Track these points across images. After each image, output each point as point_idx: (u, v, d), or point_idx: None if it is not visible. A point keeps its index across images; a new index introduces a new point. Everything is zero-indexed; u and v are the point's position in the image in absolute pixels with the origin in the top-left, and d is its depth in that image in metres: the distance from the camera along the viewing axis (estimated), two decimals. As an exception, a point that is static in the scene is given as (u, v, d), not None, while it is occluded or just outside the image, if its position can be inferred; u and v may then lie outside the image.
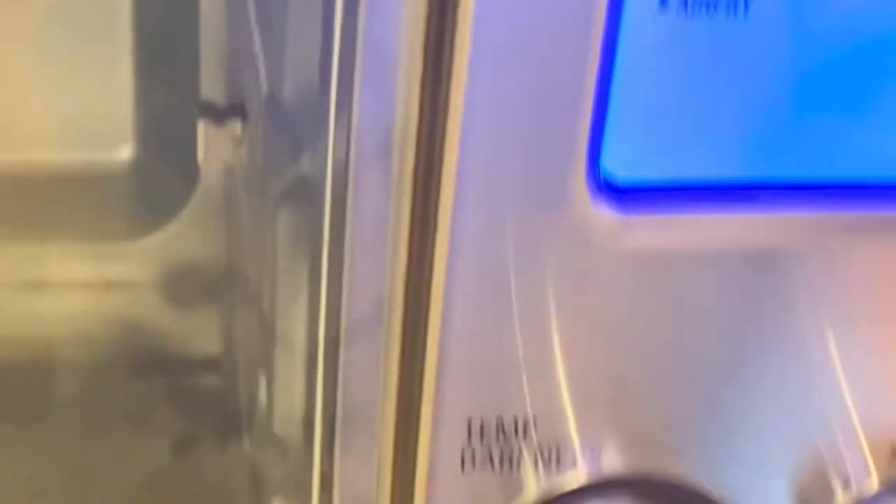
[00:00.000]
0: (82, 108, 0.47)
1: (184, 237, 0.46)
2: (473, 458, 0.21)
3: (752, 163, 0.20)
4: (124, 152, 0.45)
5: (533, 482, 0.21)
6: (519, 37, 0.18)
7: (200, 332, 0.48)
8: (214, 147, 0.37)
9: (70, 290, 0.47)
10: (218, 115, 0.37)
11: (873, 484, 0.22)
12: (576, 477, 0.21)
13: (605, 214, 0.19)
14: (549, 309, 0.20)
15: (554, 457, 0.21)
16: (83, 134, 0.46)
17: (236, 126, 0.36)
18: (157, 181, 0.47)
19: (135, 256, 0.46)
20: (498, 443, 0.21)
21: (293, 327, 0.26)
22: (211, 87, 0.43)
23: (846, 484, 0.22)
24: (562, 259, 0.20)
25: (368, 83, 0.19)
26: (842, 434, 0.22)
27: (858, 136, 0.20)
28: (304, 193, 0.24)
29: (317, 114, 0.22)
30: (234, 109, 0.37)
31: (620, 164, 0.20)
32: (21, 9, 0.44)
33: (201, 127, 0.37)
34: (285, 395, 0.30)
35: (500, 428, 0.21)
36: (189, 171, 0.46)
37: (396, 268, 0.20)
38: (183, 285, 0.48)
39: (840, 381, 0.22)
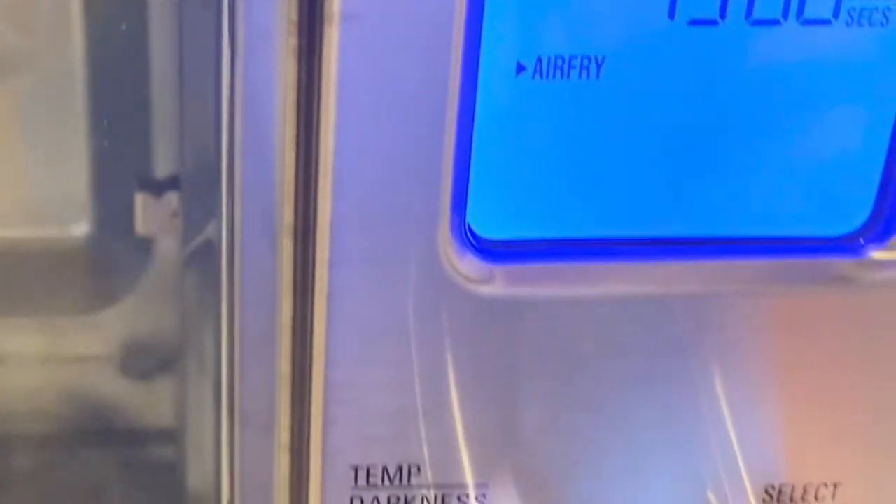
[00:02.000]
0: (38, 187, 0.49)
1: (138, 311, 0.47)
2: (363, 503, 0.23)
3: (619, 221, 0.22)
4: (79, 229, 0.45)
5: (424, 527, 0.23)
6: (382, 102, 0.20)
7: (155, 406, 0.49)
8: (152, 218, 0.39)
9: (25, 364, 0.49)
10: (156, 187, 0.39)
11: (756, 522, 0.24)
12: (466, 520, 0.23)
13: (471, 266, 0.21)
14: (431, 358, 0.22)
15: (447, 501, 0.23)
16: (39, 211, 0.49)
17: (173, 198, 0.38)
18: (111, 257, 0.49)
19: (90, 331, 0.48)
20: (386, 489, 0.23)
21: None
22: (162, 165, 0.45)
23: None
24: (435, 309, 0.21)
25: (249, 151, 0.21)
26: (728, 479, 0.24)
27: (709, 193, 0.22)
28: (208, 256, 0.26)
29: (214, 180, 0.24)
30: (171, 182, 0.39)
31: (489, 221, 0.21)
32: None
33: (139, 199, 0.39)
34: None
35: (387, 475, 0.23)
36: (143, 247, 0.48)
37: (283, 326, 0.22)
38: (138, 359, 0.49)
39: (728, 428, 0.24)
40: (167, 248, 0.47)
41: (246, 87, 0.20)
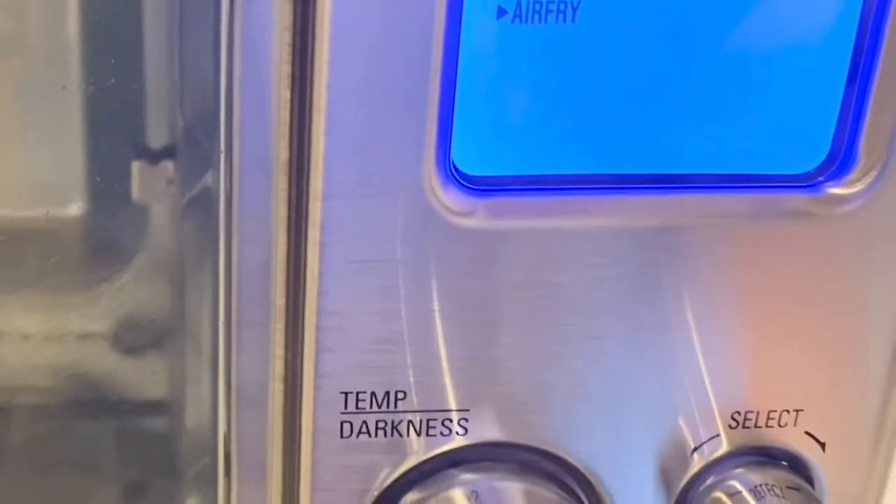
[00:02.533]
0: (35, 167, 0.50)
1: (133, 288, 0.49)
2: (352, 427, 0.25)
3: (593, 159, 0.24)
4: (75, 208, 0.46)
5: (412, 448, 0.25)
6: (371, 44, 0.22)
7: (149, 379, 0.51)
8: (148, 186, 0.40)
9: (23, 339, 0.51)
10: (152, 156, 0.40)
11: (723, 448, 0.26)
12: (451, 443, 0.25)
13: (454, 199, 0.23)
14: (417, 288, 0.24)
15: (436, 427, 0.25)
16: (36, 191, 0.50)
17: (169, 166, 0.40)
18: (106, 235, 0.51)
19: (85, 308, 0.49)
20: (373, 414, 0.24)
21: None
22: (156, 138, 0.46)
23: (700, 450, 0.26)
24: (420, 240, 0.23)
25: (247, 91, 0.23)
26: (697, 406, 0.26)
27: (679, 133, 0.23)
28: (206, 201, 0.28)
29: (213, 126, 0.25)
30: (166, 151, 0.40)
31: (472, 158, 0.23)
32: None
33: (136, 167, 0.40)
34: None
35: (375, 400, 0.24)
36: (137, 226, 0.50)
37: (278, 260, 0.24)
38: (132, 334, 0.51)
39: (698, 357, 0.25)
40: (161, 227, 0.48)
41: (244, 30, 0.22)
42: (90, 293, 0.48)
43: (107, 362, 0.49)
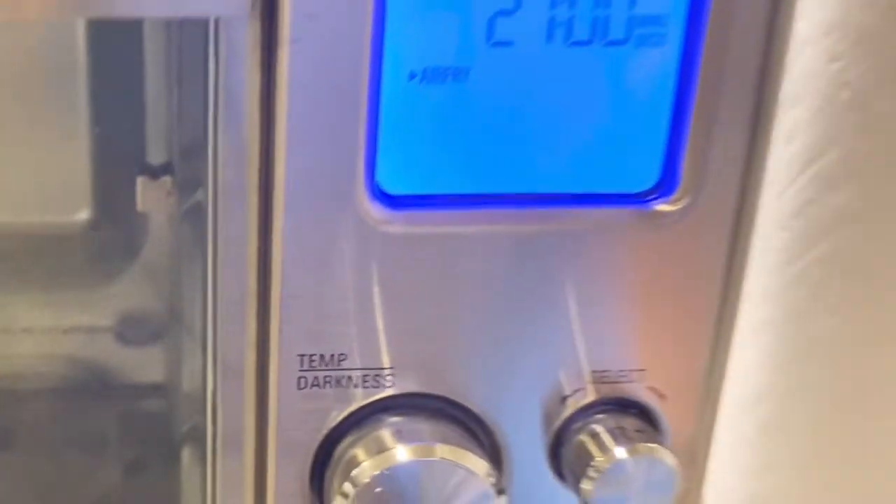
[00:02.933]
0: (47, 178, 0.52)
1: (133, 287, 0.53)
2: (307, 381, 0.33)
3: (483, 180, 0.32)
4: (82, 214, 0.53)
5: (353, 397, 0.33)
6: (318, 98, 0.31)
7: (147, 368, 0.58)
8: (151, 198, 0.48)
9: (35, 333, 0.54)
10: (154, 171, 0.48)
11: (588, 398, 0.35)
12: (382, 393, 0.33)
13: (378, 212, 0.32)
14: (354, 276, 0.32)
15: (370, 381, 0.33)
16: (47, 199, 0.53)
17: (168, 181, 0.48)
18: (110, 239, 0.54)
19: (91, 304, 0.53)
20: (322, 371, 0.33)
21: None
22: (156, 155, 0.53)
23: (571, 398, 0.34)
24: (355, 242, 0.32)
25: (229, 135, 0.31)
26: (570, 364, 0.34)
27: (547, 161, 0.32)
28: (199, 211, 0.36)
29: (202, 158, 0.34)
30: (166, 167, 0.48)
31: (391, 180, 0.32)
32: None
33: (140, 181, 0.48)
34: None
35: (323, 360, 0.33)
36: (137, 232, 0.53)
37: (251, 255, 0.32)
38: (133, 329, 0.56)
39: (571, 328, 0.34)
40: (159, 233, 0.55)
41: (226, 88, 0.31)
42: (95, 291, 0.54)
43: (109, 352, 0.54)
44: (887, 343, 0.49)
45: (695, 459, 0.35)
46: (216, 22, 0.30)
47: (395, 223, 0.32)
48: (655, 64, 0.32)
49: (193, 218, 0.39)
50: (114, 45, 0.50)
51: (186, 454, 0.44)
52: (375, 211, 0.32)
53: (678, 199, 0.33)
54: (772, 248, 0.51)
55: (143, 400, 0.55)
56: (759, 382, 0.52)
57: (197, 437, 0.41)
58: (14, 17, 0.29)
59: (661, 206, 0.33)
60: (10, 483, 0.51)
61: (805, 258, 0.49)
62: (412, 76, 0.31)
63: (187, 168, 0.42)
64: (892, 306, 0.48)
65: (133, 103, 0.51)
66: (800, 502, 0.52)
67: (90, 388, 0.55)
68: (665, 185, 0.33)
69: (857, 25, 0.45)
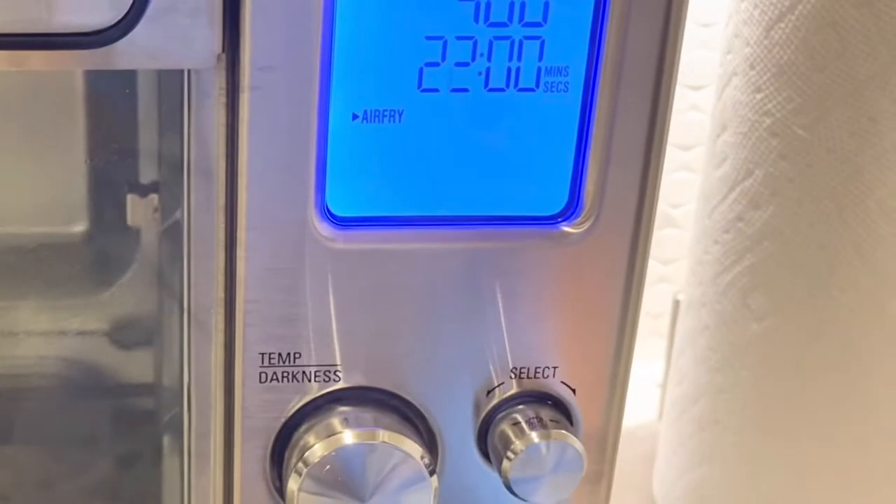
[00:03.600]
0: (47, 192, 0.56)
1: (126, 294, 0.56)
2: (267, 376, 0.40)
3: (416, 205, 0.39)
4: (79, 226, 0.56)
5: (307, 389, 0.40)
6: (274, 134, 0.37)
7: (140, 369, 0.63)
8: (139, 214, 0.54)
9: (34, 336, 0.58)
10: (142, 190, 0.54)
11: (511, 391, 0.41)
12: (333, 386, 0.40)
13: (327, 231, 0.38)
14: (308, 286, 0.39)
15: (322, 375, 0.40)
16: (47, 211, 0.56)
17: (154, 198, 0.53)
18: (105, 249, 0.57)
19: (89, 309, 0.57)
20: (280, 367, 0.40)
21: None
22: (145, 174, 0.58)
23: (496, 390, 0.41)
24: (308, 256, 0.38)
25: (199, 163, 0.38)
26: (500, 362, 0.40)
27: (471, 188, 0.39)
28: (177, 228, 0.42)
29: (180, 183, 0.40)
30: (153, 186, 0.54)
31: (338, 203, 0.38)
32: (0, 116, 0.53)
33: (130, 199, 0.53)
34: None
35: (281, 358, 0.40)
36: (131, 242, 0.60)
37: (218, 268, 0.39)
38: (126, 332, 0.60)
39: (504, 333, 0.40)
40: (148, 245, 0.60)
41: (197, 125, 0.38)
42: (90, 298, 0.60)
43: (103, 354, 0.58)
44: (808, 345, 0.55)
45: (604, 445, 0.41)
46: (188, 72, 0.37)
47: (342, 240, 0.38)
48: (560, 107, 0.38)
49: (173, 233, 0.45)
50: (109, 75, 0.55)
51: (167, 442, 0.50)
52: (325, 230, 0.38)
53: (582, 222, 0.39)
54: (706, 260, 0.58)
55: (132, 398, 0.58)
56: (695, 384, 0.59)
57: (175, 427, 0.47)
58: (21, 67, 0.36)
59: (568, 228, 0.39)
60: (10, 474, 0.55)
61: (734, 269, 0.56)
62: (355, 117, 0.37)
63: (169, 189, 0.48)
64: (810, 312, 0.55)
65: (125, 127, 0.55)
66: (734, 489, 0.58)
67: (85, 387, 0.58)
68: (571, 210, 0.39)
69: (777, 61, 0.52)
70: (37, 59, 0.34)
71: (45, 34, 0.34)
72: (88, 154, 0.55)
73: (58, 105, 0.56)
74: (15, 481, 0.54)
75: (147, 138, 0.54)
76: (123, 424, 0.57)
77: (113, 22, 0.33)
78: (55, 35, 0.34)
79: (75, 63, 0.34)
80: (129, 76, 0.53)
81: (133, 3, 0.32)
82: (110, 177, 0.55)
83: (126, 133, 0.54)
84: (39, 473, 0.55)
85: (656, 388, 0.71)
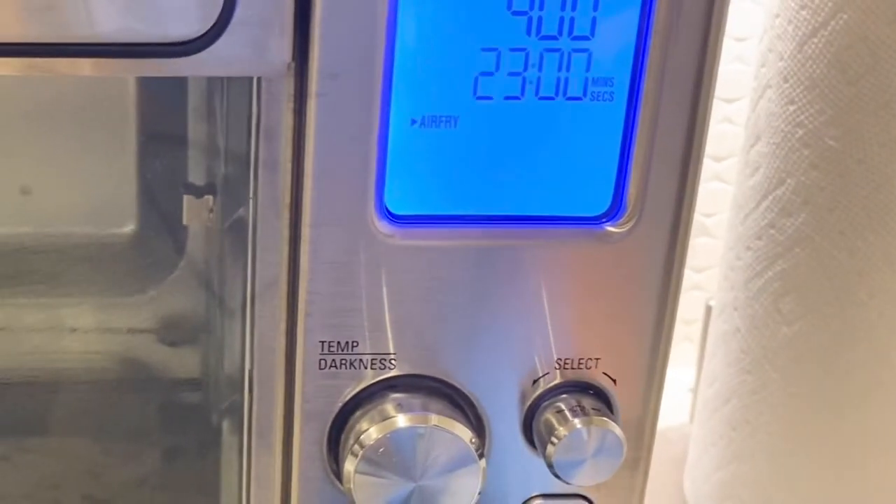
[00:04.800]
0: (98, 194, 0.60)
1: (173, 294, 0.60)
2: (326, 363, 0.44)
3: (470, 204, 0.43)
4: (129, 227, 0.60)
5: (365, 377, 0.44)
6: (337, 140, 0.41)
7: (185, 366, 0.61)
8: (194, 213, 0.57)
9: (86, 333, 0.61)
10: (197, 191, 0.57)
11: (555, 381, 0.45)
12: (387, 374, 0.43)
13: (385, 227, 0.42)
14: (365, 279, 0.43)
15: (377, 364, 0.43)
16: (98, 213, 0.60)
17: (209, 199, 0.57)
18: (153, 250, 0.60)
19: (136, 308, 0.60)
20: (339, 354, 0.43)
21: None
22: (195, 174, 0.61)
23: (545, 379, 0.44)
24: (365, 251, 0.42)
25: (267, 164, 0.42)
26: (545, 354, 0.44)
27: (520, 189, 0.42)
28: (241, 225, 0.46)
29: (244, 181, 0.44)
30: (208, 187, 0.57)
31: (396, 202, 0.42)
32: (54, 117, 0.57)
33: (185, 199, 0.57)
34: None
35: (340, 346, 0.43)
36: (178, 243, 0.60)
37: (282, 262, 0.43)
38: (173, 330, 0.61)
39: (548, 326, 0.44)
40: (194, 245, 0.63)
41: (266, 129, 0.41)
42: (138, 297, 0.61)
43: (150, 351, 0.61)
44: (837, 348, 0.58)
45: (642, 433, 0.45)
46: (258, 79, 0.41)
47: (399, 237, 0.42)
48: (605, 115, 0.42)
49: (234, 231, 0.49)
50: (161, 81, 0.58)
51: (225, 428, 0.54)
52: (383, 227, 0.42)
53: (625, 222, 0.43)
54: (738, 265, 0.61)
55: (178, 393, 0.62)
56: (727, 385, 0.62)
57: (233, 413, 0.50)
58: (107, 73, 0.39)
59: (611, 227, 0.43)
60: (60, 463, 0.58)
61: (765, 275, 0.59)
62: (413, 122, 0.41)
63: (229, 189, 0.51)
64: (840, 316, 0.58)
65: (176, 132, 0.58)
66: (764, 488, 0.62)
67: (133, 382, 0.62)
68: (614, 211, 0.43)
69: (810, 74, 0.56)
70: (122, 67, 0.38)
71: (132, 44, 0.38)
72: (139, 158, 0.59)
73: (111, 110, 0.59)
74: (64, 469, 0.57)
75: (201, 142, 0.58)
76: (169, 419, 0.61)
77: (200, 33, 0.37)
78: (141, 45, 0.38)
79: (158, 71, 0.38)
80: (181, 79, 0.57)
81: (219, 16, 0.36)
82: (160, 179, 0.59)
83: (178, 137, 0.58)
84: (89, 464, 0.58)
85: (687, 393, 0.74)
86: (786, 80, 0.56)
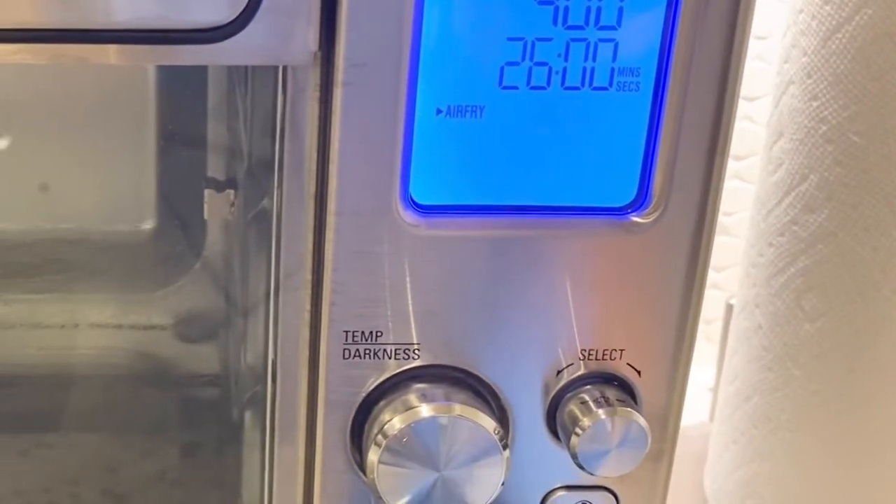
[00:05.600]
0: (118, 191, 0.61)
1: (191, 290, 0.61)
2: (350, 352, 0.44)
3: (496, 194, 0.43)
4: (148, 224, 0.61)
5: (387, 367, 0.44)
6: (363, 130, 0.41)
7: (203, 361, 0.63)
8: (216, 208, 0.58)
9: (104, 329, 0.62)
10: (219, 185, 0.58)
11: (579, 371, 0.45)
12: (411, 364, 0.44)
13: (410, 217, 0.42)
14: (390, 269, 0.43)
15: (401, 354, 0.44)
16: (118, 210, 0.61)
17: (230, 193, 0.57)
18: (172, 247, 0.62)
19: (154, 304, 0.61)
20: (363, 344, 0.44)
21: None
22: (215, 169, 0.62)
23: (569, 370, 0.44)
24: (390, 240, 0.42)
25: (293, 154, 0.42)
26: (568, 344, 0.44)
27: (546, 180, 0.43)
28: (264, 216, 0.47)
29: (269, 171, 0.44)
30: (229, 182, 0.58)
31: (421, 192, 0.43)
32: (74, 114, 0.59)
33: (207, 194, 0.57)
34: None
35: (364, 336, 0.44)
36: (196, 241, 0.61)
37: (306, 250, 0.43)
38: (191, 326, 0.63)
39: (573, 317, 0.44)
40: (213, 243, 0.64)
41: (291, 119, 0.42)
42: (157, 293, 0.62)
43: (167, 347, 0.62)
44: (859, 345, 0.59)
45: (666, 425, 0.45)
46: (284, 68, 0.41)
47: (424, 227, 0.42)
48: (631, 106, 0.42)
49: (257, 223, 0.49)
50: (181, 75, 0.59)
51: (247, 421, 0.54)
52: (408, 217, 0.42)
53: (650, 213, 0.43)
54: (760, 262, 0.61)
55: (196, 388, 0.63)
56: (748, 382, 0.63)
57: (255, 406, 0.51)
58: (132, 62, 0.40)
59: (636, 218, 0.43)
60: (79, 458, 0.58)
61: (788, 271, 0.60)
62: (439, 112, 0.41)
63: (254, 183, 0.52)
64: (863, 313, 0.58)
65: (196, 128, 0.59)
66: (785, 485, 0.62)
67: (151, 378, 0.63)
68: (640, 201, 0.43)
69: (833, 70, 0.56)
70: (148, 54, 0.39)
71: (160, 30, 0.38)
72: (158, 154, 0.60)
73: (130, 107, 0.60)
74: (84, 464, 0.58)
75: (221, 136, 0.58)
76: (188, 414, 0.61)
77: (228, 20, 0.37)
78: (169, 31, 0.38)
79: (185, 59, 0.39)
80: (200, 74, 0.57)
81: (247, 3, 0.37)
82: (178, 175, 0.60)
83: (197, 132, 0.58)
84: (108, 459, 0.58)
85: (707, 392, 0.74)
86: (809, 76, 0.57)
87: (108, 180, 0.60)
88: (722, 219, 0.76)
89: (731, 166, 0.75)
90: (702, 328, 0.76)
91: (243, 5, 0.36)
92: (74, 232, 0.60)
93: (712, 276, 0.76)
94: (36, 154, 0.59)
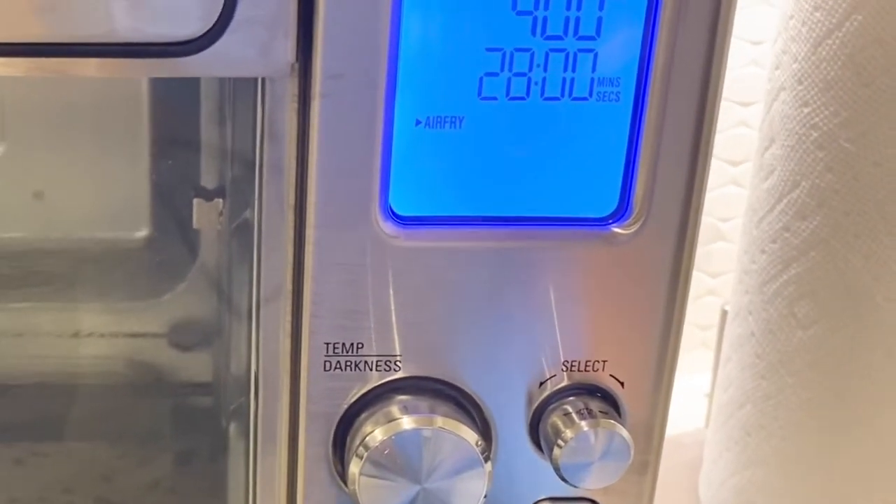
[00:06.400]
0: (113, 199, 0.60)
1: (186, 298, 0.60)
2: (331, 364, 0.44)
3: (475, 205, 0.43)
4: (142, 232, 0.61)
5: (368, 378, 0.44)
6: (340, 142, 0.41)
7: (197, 370, 0.62)
8: (204, 217, 0.58)
9: (98, 338, 0.61)
10: (207, 195, 0.58)
11: (562, 383, 0.44)
12: (392, 376, 0.44)
13: (389, 229, 0.42)
14: (370, 280, 0.43)
15: (383, 365, 0.44)
16: (112, 218, 0.61)
17: (219, 202, 0.57)
18: (166, 255, 0.61)
19: (149, 312, 0.61)
20: (343, 356, 0.44)
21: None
22: (207, 180, 0.61)
23: (548, 382, 0.44)
24: (370, 252, 0.42)
25: (272, 164, 0.42)
26: (551, 356, 0.44)
27: (525, 190, 0.42)
28: (247, 227, 0.47)
29: (250, 183, 0.44)
30: (218, 191, 0.58)
31: (401, 204, 0.42)
32: (68, 122, 0.58)
33: (196, 203, 0.57)
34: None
35: (345, 348, 0.43)
36: (190, 247, 0.61)
37: (287, 263, 0.43)
38: (185, 334, 0.62)
39: (556, 328, 0.44)
40: (207, 251, 0.64)
41: (270, 130, 0.42)
42: (151, 301, 0.62)
43: (162, 355, 0.61)
44: (852, 352, 0.58)
45: (651, 437, 0.45)
46: (262, 80, 0.41)
47: (404, 238, 0.42)
48: (612, 116, 0.42)
49: (241, 233, 0.49)
50: (175, 84, 0.59)
51: (233, 430, 0.54)
52: (387, 228, 0.42)
53: (632, 224, 0.43)
54: (753, 269, 0.61)
55: (189, 397, 0.62)
56: (742, 389, 0.62)
57: (241, 415, 0.51)
58: (110, 74, 0.40)
59: (618, 229, 0.43)
60: (74, 466, 0.58)
61: (780, 278, 0.59)
62: (418, 122, 0.41)
63: (237, 191, 0.52)
64: (855, 320, 0.58)
65: (189, 137, 0.58)
66: (779, 493, 0.61)
67: (146, 386, 0.63)
68: (621, 212, 0.43)
69: (824, 76, 0.56)
70: (126, 67, 0.39)
71: (136, 44, 0.38)
72: (152, 162, 0.60)
73: (124, 115, 0.59)
74: (79, 472, 0.58)
75: (212, 145, 0.58)
76: (181, 422, 0.61)
77: (200, 33, 0.37)
78: (144, 45, 0.38)
79: (162, 71, 0.38)
80: (193, 83, 0.57)
81: (220, 15, 0.36)
82: (172, 184, 0.60)
83: (190, 141, 0.58)
84: (102, 467, 0.58)
85: (703, 398, 0.74)
86: (800, 83, 0.56)
87: (103, 188, 0.60)
88: (718, 224, 0.76)
89: (727, 172, 0.74)
90: (698, 334, 0.76)
91: (215, 18, 0.36)
92: (69, 240, 0.60)
93: (708, 282, 0.76)
94: (30, 162, 0.59)
